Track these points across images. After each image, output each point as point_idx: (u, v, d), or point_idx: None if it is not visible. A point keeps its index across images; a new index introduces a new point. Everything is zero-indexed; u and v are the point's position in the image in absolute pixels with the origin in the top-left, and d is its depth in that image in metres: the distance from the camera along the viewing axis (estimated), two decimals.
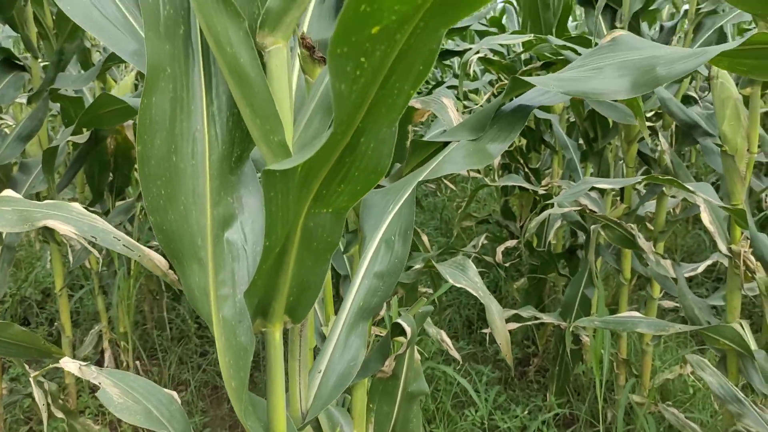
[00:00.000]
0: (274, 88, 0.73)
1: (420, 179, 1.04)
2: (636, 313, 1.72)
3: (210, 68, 0.76)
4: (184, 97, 0.74)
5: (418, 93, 4.26)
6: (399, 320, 1.27)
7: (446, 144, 1.15)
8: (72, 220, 1.12)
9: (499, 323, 1.71)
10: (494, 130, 1.11)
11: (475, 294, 1.73)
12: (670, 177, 1.58)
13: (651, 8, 2.51)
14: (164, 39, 0.73)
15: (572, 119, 3.08)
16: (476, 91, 3.88)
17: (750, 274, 1.78)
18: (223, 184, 0.78)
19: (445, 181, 4.17)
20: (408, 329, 1.27)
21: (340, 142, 0.61)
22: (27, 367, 2.21)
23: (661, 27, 2.57)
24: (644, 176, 1.60)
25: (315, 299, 0.83)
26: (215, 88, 0.76)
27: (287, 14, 0.71)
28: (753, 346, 1.73)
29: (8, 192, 1.21)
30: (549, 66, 2.52)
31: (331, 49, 0.48)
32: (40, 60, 2.38)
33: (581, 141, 2.76)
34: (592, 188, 2.25)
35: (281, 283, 0.78)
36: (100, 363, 2.83)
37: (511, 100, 1.17)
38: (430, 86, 4.17)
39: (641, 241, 2.09)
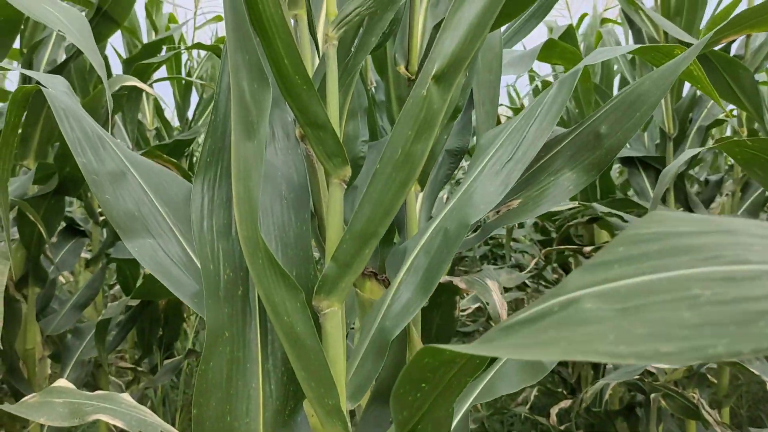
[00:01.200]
0: (328, 349, 0.74)
1: (471, 401, 1.01)
2: None
3: (266, 325, 0.77)
4: (240, 357, 0.75)
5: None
6: None
7: None
8: (121, 413, 1.12)
9: None
10: None
11: None
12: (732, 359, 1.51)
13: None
14: (223, 303, 0.75)
15: None
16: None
17: None
18: None
19: (493, 324, 4.10)
20: None
21: None
22: None
23: (707, 181, 2.57)
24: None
25: None
26: (270, 344, 0.77)
27: (343, 280, 0.72)
28: None
29: (61, 382, 1.23)
30: (595, 220, 2.53)
31: (394, 392, 0.48)
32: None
33: None
34: None
35: None
36: None
37: None
38: None
39: (706, 411, 1.97)
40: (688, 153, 1.40)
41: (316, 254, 0.95)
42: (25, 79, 1.92)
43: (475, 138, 2.00)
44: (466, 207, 0.85)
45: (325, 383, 0.71)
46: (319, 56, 0.97)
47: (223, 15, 2.77)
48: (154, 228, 0.88)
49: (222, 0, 0.66)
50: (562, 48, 1.43)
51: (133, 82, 1.70)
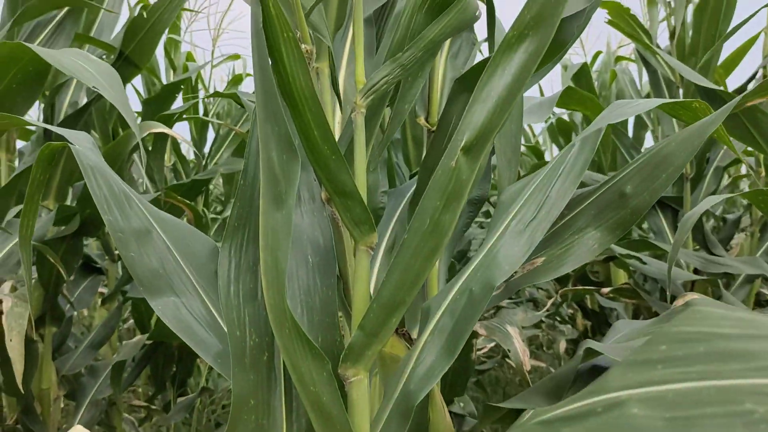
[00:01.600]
0: (354, 417, 0.73)
1: None
2: None
3: (291, 391, 0.77)
4: (265, 425, 0.74)
5: None
6: None
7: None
8: None
9: None
10: (571, 393, 1.08)
11: None
12: None
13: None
14: (249, 369, 0.74)
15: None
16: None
17: None
18: None
19: (508, 360, 4.06)
20: None
21: None
22: None
23: (724, 219, 2.55)
24: None
25: None
26: (295, 411, 0.77)
27: (369, 349, 0.72)
28: None
29: (77, 429, 1.22)
30: (612, 259, 2.51)
31: None
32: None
33: None
34: None
35: None
36: None
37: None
38: None
39: None
40: (709, 200, 1.39)
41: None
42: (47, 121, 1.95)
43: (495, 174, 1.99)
44: (490, 267, 0.85)
45: None
46: (341, 108, 0.98)
47: (240, 53, 2.79)
48: (178, 286, 0.88)
49: (252, 67, 0.67)
50: (580, 95, 1.44)
51: (161, 129, 1.73)
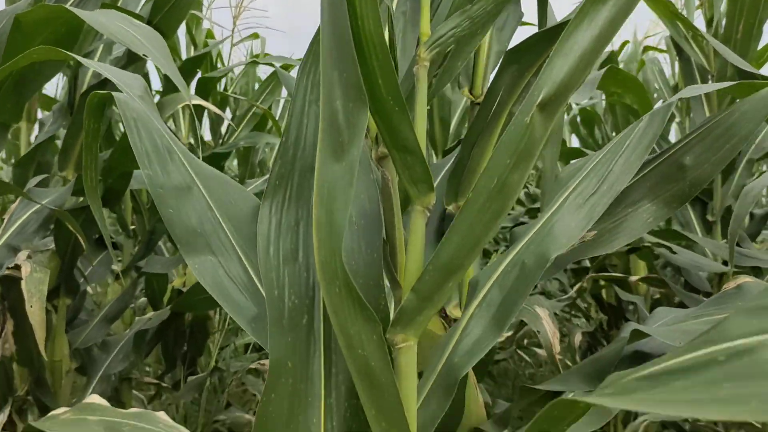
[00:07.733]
0: (401, 386, 0.69)
1: None
2: None
3: (331, 357, 0.73)
4: (301, 389, 0.71)
5: None
6: None
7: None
8: None
9: None
10: None
11: None
12: None
13: None
14: (287, 331, 0.71)
15: (656, 296, 2.96)
16: None
17: None
18: None
19: (520, 352, 4.03)
20: None
21: None
22: None
23: (752, 215, 2.50)
24: None
25: None
26: (334, 377, 0.73)
27: (421, 314, 0.68)
28: None
29: (94, 398, 1.19)
30: (635, 251, 2.47)
31: None
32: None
33: None
34: None
35: None
36: None
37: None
38: None
39: None
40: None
41: None
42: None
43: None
44: (546, 241, 0.81)
45: (398, 423, 0.67)
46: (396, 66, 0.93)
47: (259, 33, 2.72)
48: (216, 246, 0.85)
49: (320, 17, 0.63)
50: (624, 76, 1.40)
51: (199, 101, 1.72)
